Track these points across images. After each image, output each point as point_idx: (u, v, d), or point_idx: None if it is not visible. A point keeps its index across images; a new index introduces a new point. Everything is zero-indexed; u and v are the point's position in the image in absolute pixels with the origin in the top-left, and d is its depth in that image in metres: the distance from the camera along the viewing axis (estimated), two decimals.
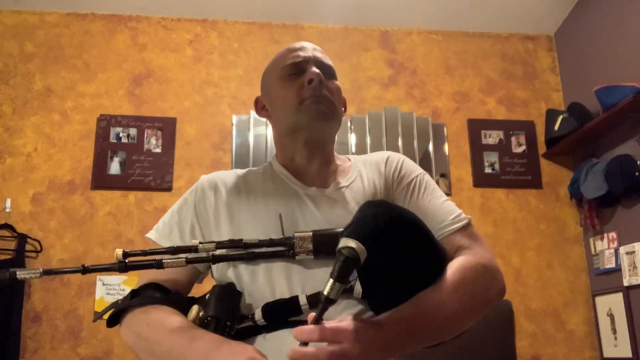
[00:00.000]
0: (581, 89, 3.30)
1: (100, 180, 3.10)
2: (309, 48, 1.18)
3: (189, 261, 1.01)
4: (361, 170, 1.19)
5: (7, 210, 2.97)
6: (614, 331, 2.98)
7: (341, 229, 1.00)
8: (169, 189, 3.12)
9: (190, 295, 1.13)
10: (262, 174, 1.20)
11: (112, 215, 3.06)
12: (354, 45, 3.48)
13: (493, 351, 1.98)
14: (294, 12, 3.41)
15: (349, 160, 1.25)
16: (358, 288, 0.99)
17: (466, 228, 1.11)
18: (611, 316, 3.01)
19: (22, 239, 2.92)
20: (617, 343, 2.96)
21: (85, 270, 0.97)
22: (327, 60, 1.18)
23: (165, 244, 1.11)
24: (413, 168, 1.20)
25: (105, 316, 1.07)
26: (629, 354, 2.85)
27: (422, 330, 0.93)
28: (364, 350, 0.83)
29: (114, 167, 3.13)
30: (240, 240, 1.03)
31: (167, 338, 0.95)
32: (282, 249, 1.02)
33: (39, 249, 2.94)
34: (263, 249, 1.03)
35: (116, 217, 3.06)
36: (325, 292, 0.82)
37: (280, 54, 1.20)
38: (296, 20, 3.47)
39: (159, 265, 0.99)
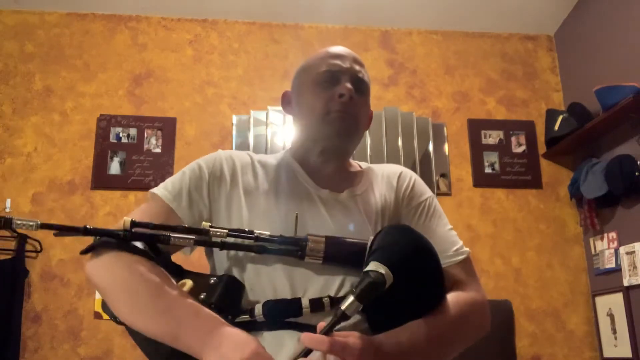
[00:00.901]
0: (581, 89, 3.30)
1: (100, 180, 3.10)
2: (349, 58, 1.17)
3: (196, 242, 1.00)
4: (373, 181, 1.20)
5: (7, 210, 2.97)
6: (614, 331, 2.98)
7: (355, 240, 1.02)
8: None
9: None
10: (277, 167, 1.18)
11: (112, 215, 3.06)
12: (354, 45, 3.46)
13: (493, 351, 1.98)
14: (294, 12, 3.41)
15: (361, 167, 1.25)
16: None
17: (465, 262, 1.13)
18: (611, 316, 3.01)
19: (22, 239, 2.92)
20: (617, 343, 2.96)
21: (86, 231, 0.95)
22: (363, 75, 1.17)
23: (172, 204, 1.08)
24: (424, 189, 1.21)
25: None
26: (629, 354, 2.85)
27: (414, 356, 0.94)
28: None
29: (114, 167, 3.13)
30: (252, 232, 1.02)
31: (167, 299, 0.92)
32: (292, 249, 1.02)
33: (39, 249, 2.94)
34: (273, 245, 1.02)
35: (116, 217, 3.06)
36: (342, 307, 0.83)
37: (320, 56, 1.19)
38: (296, 20, 3.48)
39: (165, 240, 0.98)
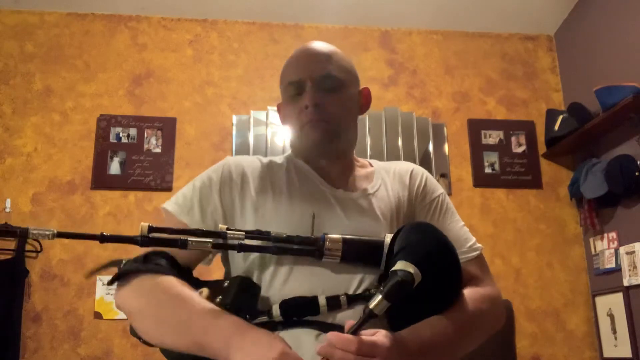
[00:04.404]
0: (581, 89, 3.30)
1: (100, 180, 3.10)
2: (310, 59, 1.15)
3: (214, 246, 0.99)
4: (385, 179, 1.20)
5: (7, 210, 2.97)
6: (614, 331, 2.98)
7: (372, 238, 1.03)
8: (169, 189, 3.12)
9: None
10: (287, 168, 1.18)
11: (112, 215, 3.06)
12: (354, 45, 3.47)
13: (493, 351, 1.98)
14: (294, 12, 3.41)
15: (371, 165, 1.25)
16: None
17: (479, 258, 1.16)
18: (611, 316, 3.01)
19: (22, 239, 2.92)
20: (617, 343, 2.95)
21: (103, 238, 0.92)
22: (330, 70, 1.13)
23: (184, 219, 1.08)
24: (436, 186, 1.23)
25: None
26: (629, 354, 2.85)
27: (436, 351, 0.95)
28: None
29: (114, 167, 3.13)
30: (269, 232, 1.02)
31: (188, 310, 0.93)
32: (310, 248, 1.02)
33: (39, 249, 2.94)
34: (290, 246, 1.02)
35: (116, 217, 3.06)
36: (371, 306, 0.83)
37: (286, 65, 1.18)
38: (296, 20, 3.47)
39: (183, 245, 0.96)
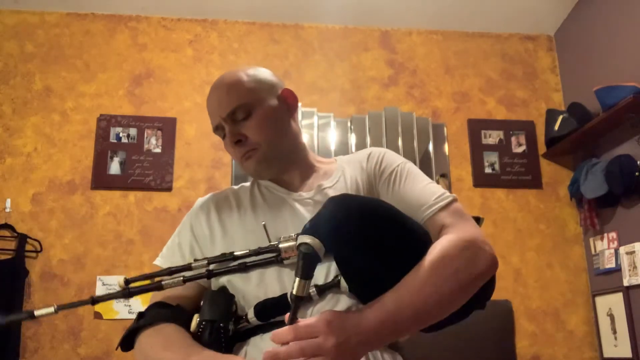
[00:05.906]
0: (581, 89, 3.30)
1: (100, 180, 3.10)
2: (215, 104, 1.20)
3: (185, 280, 1.07)
4: (345, 170, 1.21)
5: (7, 210, 2.97)
6: (614, 331, 2.98)
7: None
8: (169, 189, 3.12)
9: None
10: (251, 187, 1.24)
11: (112, 215, 3.06)
12: (354, 45, 3.47)
13: (493, 351, 1.98)
14: (294, 12, 3.41)
15: (335, 161, 1.27)
16: (344, 282, 1.01)
17: (449, 206, 1.08)
18: (611, 316, 3.01)
19: (22, 239, 2.91)
20: (617, 343, 2.96)
21: (94, 301, 1.04)
22: (234, 104, 1.15)
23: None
24: (394, 159, 1.19)
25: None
26: (629, 354, 2.85)
27: (405, 315, 0.91)
28: (339, 341, 0.84)
29: (114, 167, 3.13)
30: (231, 253, 1.08)
31: (165, 358, 0.99)
32: (271, 256, 1.06)
33: (39, 249, 2.94)
34: (253, 259, 1.07)
35: (116, 217, 3.06)
36: (294, 292, 0.85)
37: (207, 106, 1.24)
38: (296, 20, 3.48)
39: (158, 287, 1.06)
